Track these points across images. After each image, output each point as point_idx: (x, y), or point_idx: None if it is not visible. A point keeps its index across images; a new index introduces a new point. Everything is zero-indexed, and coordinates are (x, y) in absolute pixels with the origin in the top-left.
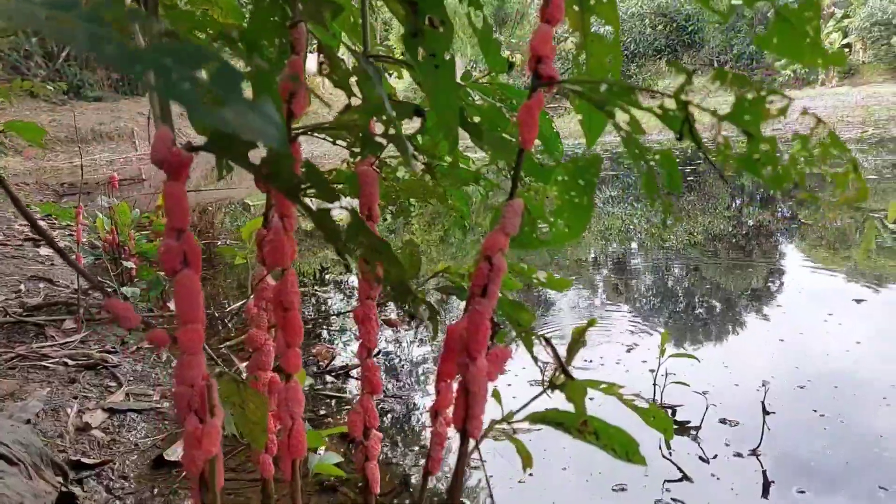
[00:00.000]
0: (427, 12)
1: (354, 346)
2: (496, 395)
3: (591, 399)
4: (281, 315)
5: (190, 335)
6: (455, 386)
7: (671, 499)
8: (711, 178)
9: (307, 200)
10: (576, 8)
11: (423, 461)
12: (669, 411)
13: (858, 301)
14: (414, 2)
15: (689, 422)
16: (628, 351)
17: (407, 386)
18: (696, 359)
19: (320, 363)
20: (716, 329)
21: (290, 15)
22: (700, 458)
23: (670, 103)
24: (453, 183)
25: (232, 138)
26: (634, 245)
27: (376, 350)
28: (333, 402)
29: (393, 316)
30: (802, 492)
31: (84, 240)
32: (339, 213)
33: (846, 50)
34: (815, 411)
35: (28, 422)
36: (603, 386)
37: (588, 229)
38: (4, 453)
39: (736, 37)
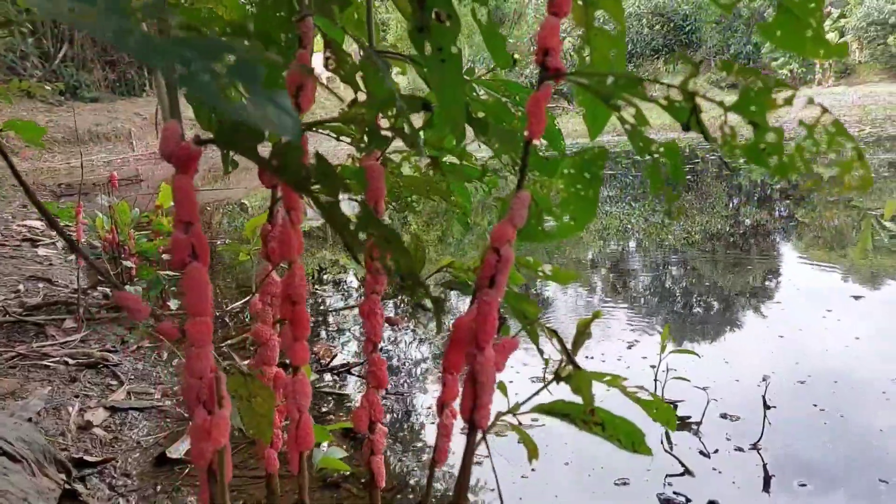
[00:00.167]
0: (434, 7)
1: (351, 344)
2: (502, 387)
3: (593, 394)
4: (289, 308)
5: (199, 328)
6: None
7: (673, 492)
8: (709, 178)
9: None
10: (580, 2)
11: (417, 461)
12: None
13: (857, 298)
14: None
15: (689, 417)
16: (629, 348)
17: (406, 384)
18: (697, 355)
19: (321, 361)
20: (715, 326)
21: (295, 10)
22: (701, 452)
23: (676, 95)
24: (458, 179)
25: (240, 132)
26: (633, 244)
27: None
28: (335, 399)
29: (393, 314)
30: (804, 485)
31: (83, 240)
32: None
33: None
34: (816, 406)
35: (29, 420)
36: (607, 378)
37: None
38: (8, 450)
39: (733, 36)
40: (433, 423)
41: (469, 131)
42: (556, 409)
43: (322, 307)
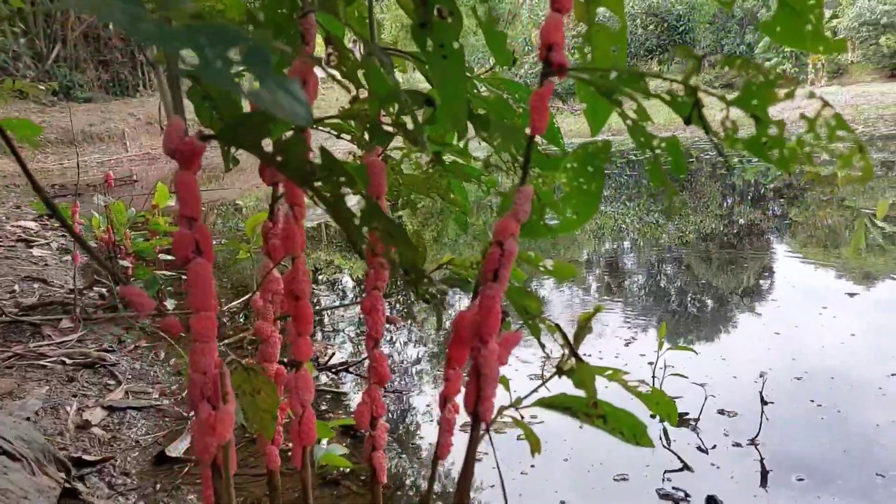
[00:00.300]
0: (436, 3)
1: (347, 344)
2: (504, 381)
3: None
4: (292, 304)
5: (203, 323)
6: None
7: (672, 487)
8: (703, 177)
9: None
10: None
11: (414, 460)
12: None
13: (851, 295)
14: None
15: (687, 413)
16: (626, 345)
17: (403, 381)
18: (694, 351)
19: (319, 360)
20: (712, 323)
21: (298, 6)
22: (699, 448)
23: (678, 89)
24: (458, 177)
25: (243, 128)
26: (627, 243)
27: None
28: (332, 397)
29: (390, 313)
30: (801, 479)
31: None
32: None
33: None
34: (813, 402)
35: (27, 420)
36: (608, 372)
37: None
38: (7, 449)
39: (727, 36)
40: (429, 421)
41: (469, 129)
42: (558, 403)
43: (318, 307)
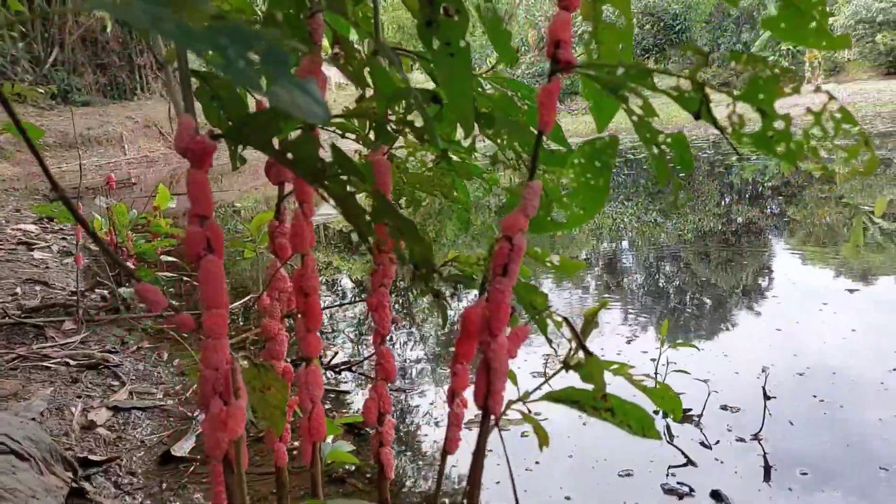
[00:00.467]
0: (442, 1)
1: (347, 343)
2: (511, 376)
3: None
4: (302, 300)
5: (214, 320)
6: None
7: (676, 483)
8: (701, 177)
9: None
10: None
11: (415, 459)
12: None
13: (851, 291)
14: None
15: (690, 409)
16: (628, 342)
17: (406, 381)
18: (696, 347)
19: (321, 359)
20: (713, 320)
21: (305, 6)
22: (703, 443)
23: (686, 85)
24: (462, 175)
25: (253, 127)
26: (626, 242)
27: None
28: (334, 396)
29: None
30: (805, 473)
31: (81, 241)
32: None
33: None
34: (815, 397)
35: (33, 420)
36: (614, 367)
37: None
38: (15, 449)
39: (723, 35)
40: (431, 420)
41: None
42: (565, 397)
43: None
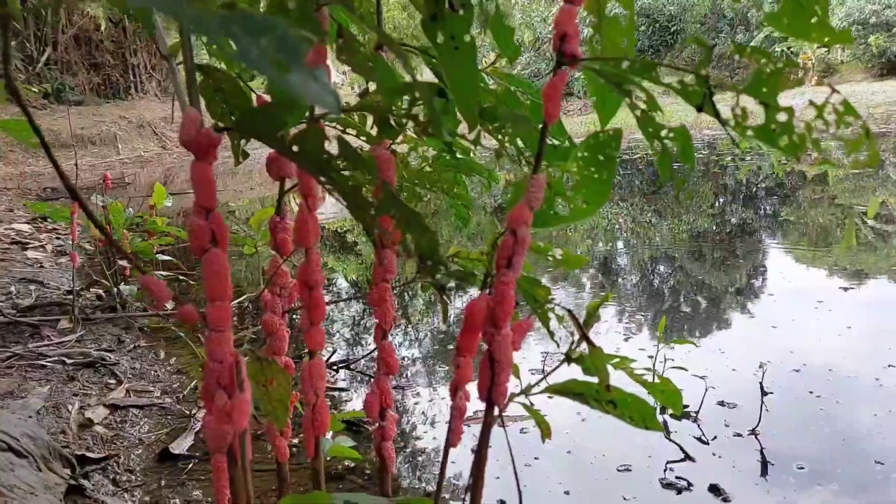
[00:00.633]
0: None
1: (347, 343)
2: (514, 369)
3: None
4: (306, 294)
5: (218, 312)
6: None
7: (675, 477)
8: (696, 177)
9: None
10: None
11: (412, 458)
12: None
13: (846, 289)
14: None
15: (688, 406)
16: (625, 340)
17: (404, 377)
18: (694, 344)
19: None
20: (710, 318)
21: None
22: (700, 439)
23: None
24: (463, 171)
25: (259, 119)
26: (622, 242)
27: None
28: (333, 393)
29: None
30: (801, 467)
31: (77, 240)
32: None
33: (825, 49)
34: (811, 393)
35: (30, 418)
36: (615, 360)
37: (576, 227)
38: (14, 446)
39: (717, 37)
40: (429, 417)
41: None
42: (568, 389)
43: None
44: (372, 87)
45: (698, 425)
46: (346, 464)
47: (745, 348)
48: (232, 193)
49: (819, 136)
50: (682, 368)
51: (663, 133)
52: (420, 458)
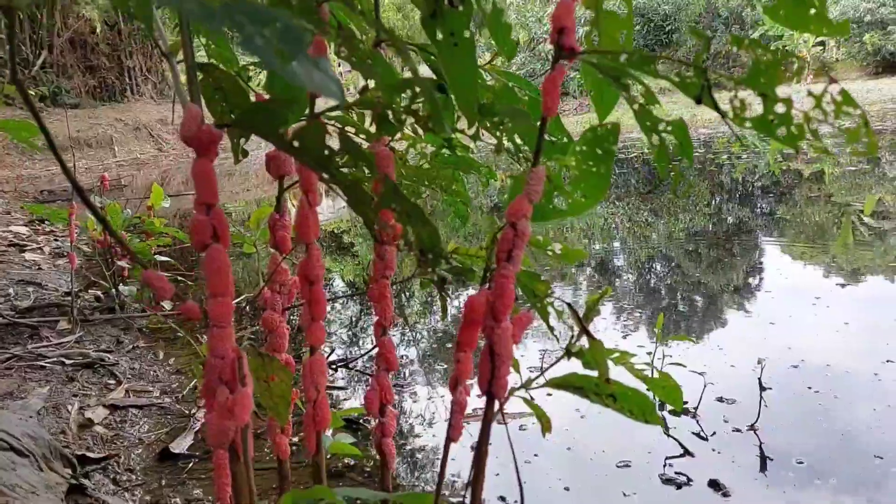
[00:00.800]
0: None
1: (345, 342)
2: (514, 363)
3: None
4: (307, 289)
5: (220, 308)
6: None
7: (674, 473)
8: (692, 175)
9: None
10: None
11: (416, 453)
12: None
13: (843, 286)
14: None
15: (686, 402)
16: (624, 337)
17: (402, 376)
18: (693, 340)
19: None
20: (708, 315)
21: None
22: (699, 435)
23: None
24: (461, 169)
25: (260, 115)
26: (618, 241)
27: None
28: (331, 393)
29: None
30: (801, 462)
31: (75, 242)
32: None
33: (820, 48)
34: (810, 388)
35: (30, 419)
36: (615, 355)
37: (573, 227)
38: (15, 445)
39: (713, 36)
40: (422, 422)
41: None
42: (568, 383)
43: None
44: (371, 84)
45: (697, 421)
46: (346, 462)
47: (743, 345)
48: (229, 195)
49: (817, 127)
50: (681, 365)
51: (661, 127)
52: (419, 456)
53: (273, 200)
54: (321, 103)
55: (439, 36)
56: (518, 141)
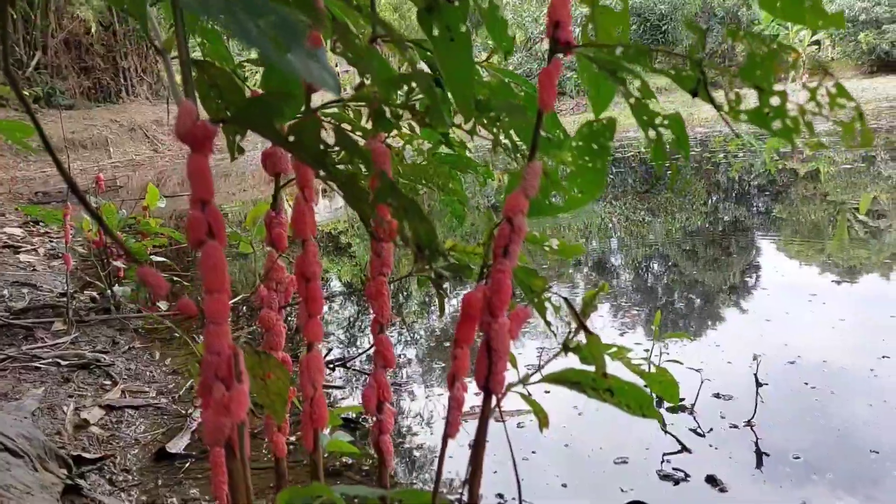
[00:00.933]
0: None
1: (342, 341)
2: (512, 358)
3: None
4: (303, 286)
5: (216, 304)
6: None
7: (672, 468)
8: (688, 174)
9: None
10: None
11: (414, 451)
12: None
13: (839, 283)
14: None
15: (683, 398)
16: (621, 335)
17: (399, 375)
18: (690, 337)
19: None
20: (705, 312)
21: None
22: (696, 431)
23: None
24: (458, 168)
25: (256, 110)
26: (615, 240)
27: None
28: (328, 392)
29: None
30: (797, 457)
31: (70, 243)
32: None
33: (815, 47)
34: (807, 384)
35: (25, 420)
36: (613, 350)
37: (569, 226)
38: (10, 446)
39: (709, 35)
40: (420, 423)
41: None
42: (565, 378)
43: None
44: (368, 81)
45: (694, 417)
46: (344, 461)
47: (739, 341)
48: (225, 196)
49: (812, 120)
50: (678, 362)
51: (658, 121)
52: (417, 454)
53: (269, 201)
54: (317, 100)
55: (435, 31)
56: (515, 138)
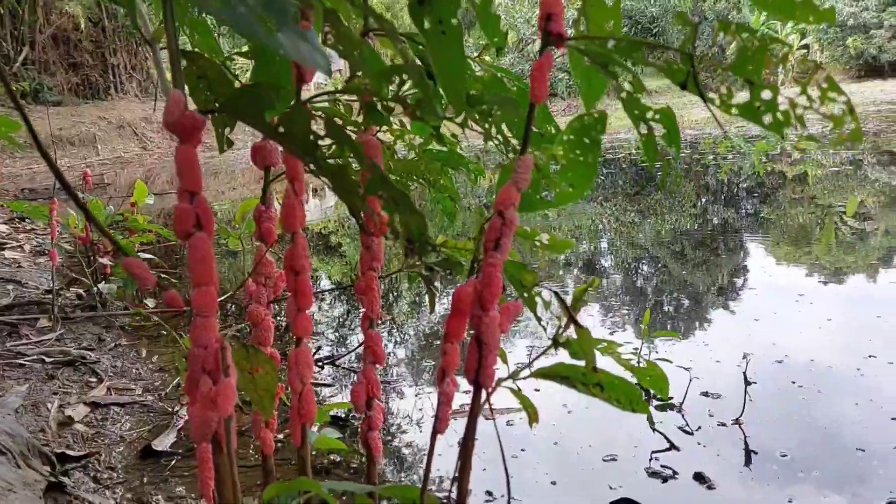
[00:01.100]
0: None
1: (333, 339)
2: (501, 353)
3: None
4: (292, 279)
5: (204, 297)
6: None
7: (660, 466)
8: (678, 176)
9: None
10: None
11: (402, 449)
12: None
13: (826, 283)
14: None
15: (672, 397)
16: (611, 334)
17: (389, 372)
18: (678, 336)
19: None
20: (694, 312)
21: None
22: (685, 429)
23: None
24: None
25: (245, 100)
26: (605, 242)
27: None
28: (317, 390)
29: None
30: (784, 455)
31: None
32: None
33: (804, 52)
34: (794, 383)
35: (7, 416)
36: (603, 345)
37: (559, 227)
38: None
39: (699, 38)
40: (410, 422)
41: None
42: (555, 373)
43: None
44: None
45: (683, 415)
46: (332, 458)
47: (728, 341)
48: (215, 194)
49: (803, 113)
50: (667, 360)
51: (649, 115)
52: (406, 452)
53: (259, 196)
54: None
55: (427, 25)
56: (507, 133)
